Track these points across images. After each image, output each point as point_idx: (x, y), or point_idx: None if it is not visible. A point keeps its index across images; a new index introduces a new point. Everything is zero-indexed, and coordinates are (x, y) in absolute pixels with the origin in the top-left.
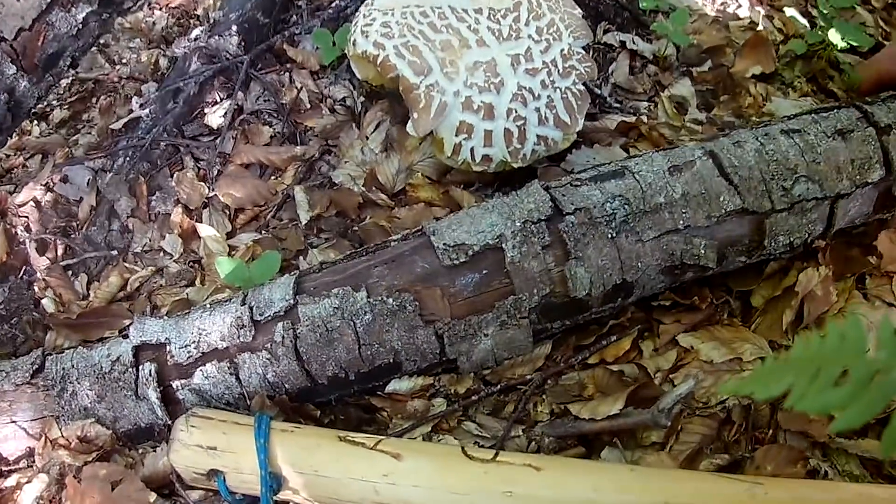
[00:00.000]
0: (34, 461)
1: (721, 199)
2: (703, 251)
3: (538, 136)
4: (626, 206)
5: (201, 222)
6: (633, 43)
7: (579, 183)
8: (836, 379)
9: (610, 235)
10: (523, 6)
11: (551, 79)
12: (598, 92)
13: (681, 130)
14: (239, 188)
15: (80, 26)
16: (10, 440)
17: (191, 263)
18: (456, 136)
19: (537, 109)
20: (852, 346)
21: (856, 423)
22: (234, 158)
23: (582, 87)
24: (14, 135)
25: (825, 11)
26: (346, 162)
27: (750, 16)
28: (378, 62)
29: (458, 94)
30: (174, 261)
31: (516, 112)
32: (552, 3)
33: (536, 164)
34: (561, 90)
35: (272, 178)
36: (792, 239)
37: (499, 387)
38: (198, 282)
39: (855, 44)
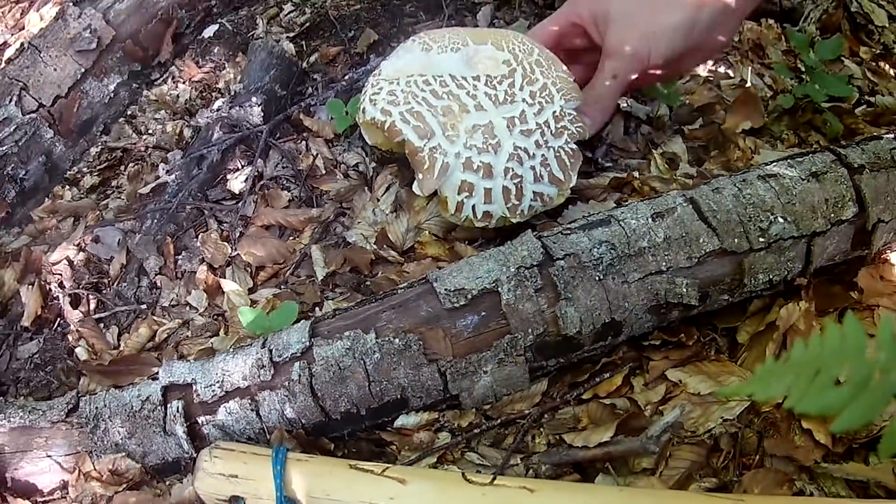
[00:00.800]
0: (67, 493)
1: (701, 240)
2: (685, 290)
3: (534, 192)
4: (612, 251)
5: (225, 279)
6: (628, 105)
7: (569, 231)
8: (835, 380)
9: (597, 278)
10: (518, 72)
11: (545, 139)
12: (590, 155)
13: (672, 184)
14: (259, 248)
15: (112, 95)
16: (45, 473)
17: (215, 316)
18: (458, 194)
19: (533, 168)
20: (851, 348)
21: (855, 423)
22: (255, 220)
23: (574, 146)
24: (48, 198)
25: (811, 65)
26: (358, 223)
27: (740, 74)
28: (385, 128)
29: (459, 156)
30: (200, 314)
31: (513, 171)
32: (544, 68)
33: (535, 219)
34: (554, 149)
35: (290, 238)
36: (772, 276)
37: (499, 421)
38: (222, 332)
39: (838, 95)
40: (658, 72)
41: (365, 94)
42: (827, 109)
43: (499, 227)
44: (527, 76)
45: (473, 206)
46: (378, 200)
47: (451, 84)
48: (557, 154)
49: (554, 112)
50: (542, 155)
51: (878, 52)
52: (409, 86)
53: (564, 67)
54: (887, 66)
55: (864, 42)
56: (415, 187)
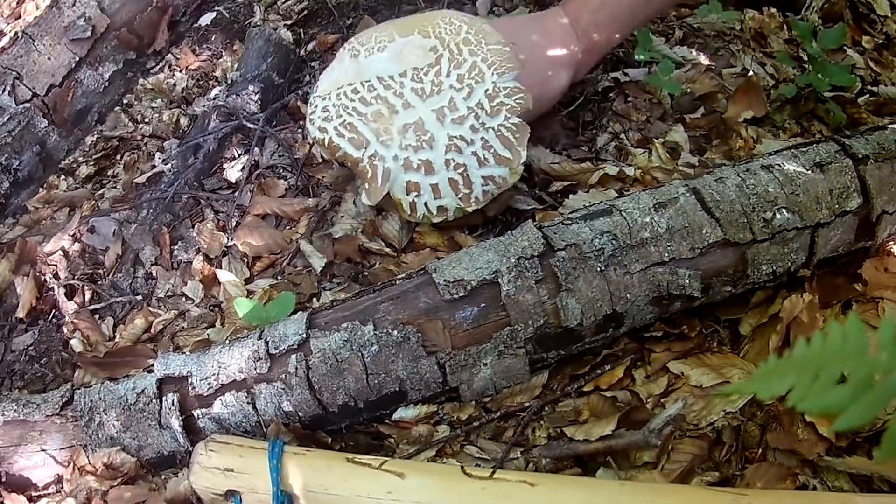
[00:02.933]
0: (62, 487)
1: (704, 231)
2: (688, 281)
3: (483, 177)
4: (613, 241)
5: (221, 269)
6: (625, 73)
7: (570, 222)
8: (837, 379)
9: (599, 269)
10: (444, 57)
11: (480, 121)
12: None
13: (673, 174)
14: (256, 237)
15: (107, 84)
16: (39, 468)
17: (211, 307)
18: (408, 195)
19: (475, 154)
20: (854, 347)
21: (856, 422)
22: (252, 210)
23: (517, 120)
24: (42, 188)
25: (814, 54)
26: (341, 216)
27: (742, 63)
28: (326, 144)
29: (398, 158)
30: (196, 305)
31: (454, 161)
32: (473, 45)
33: (491, 204)
34: (494, 129)
35: (287, 228)
36: (775, 268)
37: (498, 414)
38: (218, 324)
39: (841, 85)
40: None
41: (307, 115)
42: (830, 99)
43: (458, 218)
44: (454, 59)
45: (426, 204)
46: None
47: (378, 87)
48: (499, 133)
49: (486, 91)
50: (482, 138)
51: (881, 41)
52: (339, 98)
53: (499, 37)
54: (890, 56)
55: (867, 31)
56: (363, 198)
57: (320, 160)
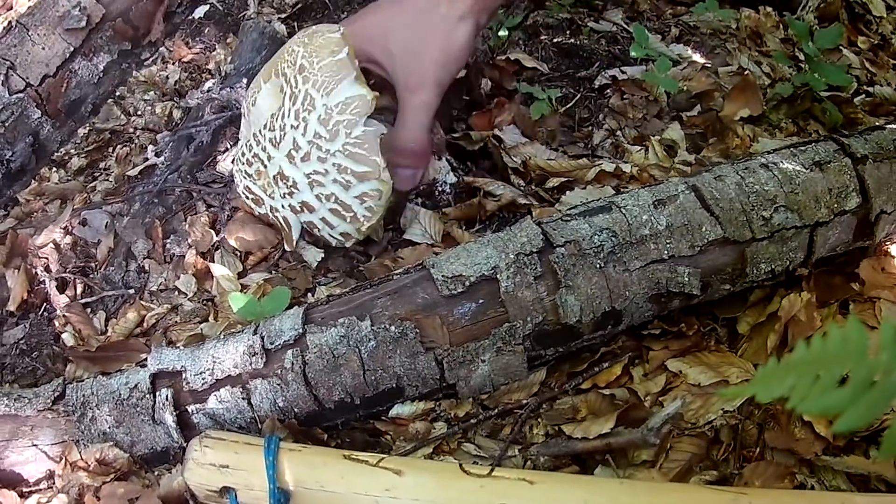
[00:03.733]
0: (54, 482)
1: (703, 229)
2: (687, 279)
3: (355, 196)
4: (613, 238)
5: (214, 263)
6: (622, 72)
7: (569, 218)
8: (837, 381)
9: (598, 265)
10: (286, 96)
11: (324, 150)
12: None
13: (670, 171)
14: (248, 232)
15: (101, 75)
16: (30, 463)
17: (204, 301)
18: (315, 232)
19: (335, 181)
20: (854, 349)
21: (857, 423)
22: (243, 205)
23: (361, 132)
24: (34, 180)
25: (810, 54)
26: None
27: (738, 61)
28: (246, 210)
29: (285, 207)
30: (189, 299)
31: (324, 195)
32: (306, 71)
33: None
34: (341, 150)
35: None
36: (774, 266)
37: (496, 411)
38: (211, 318)
39: (837, 85)
40: None
41: None
42: (826, 98)
43: (368, 238)
44: (293, 95)
45: (331, 234)
46: None
47: (254, 146)
48: (346, 153)
49: (319, 117)
50: (333, 164)
51: (877, 42)
52: (237, 164)
53: (333, 45)
54: (886, 57)
55: (863, 32)
56: (286, 247)
57: None
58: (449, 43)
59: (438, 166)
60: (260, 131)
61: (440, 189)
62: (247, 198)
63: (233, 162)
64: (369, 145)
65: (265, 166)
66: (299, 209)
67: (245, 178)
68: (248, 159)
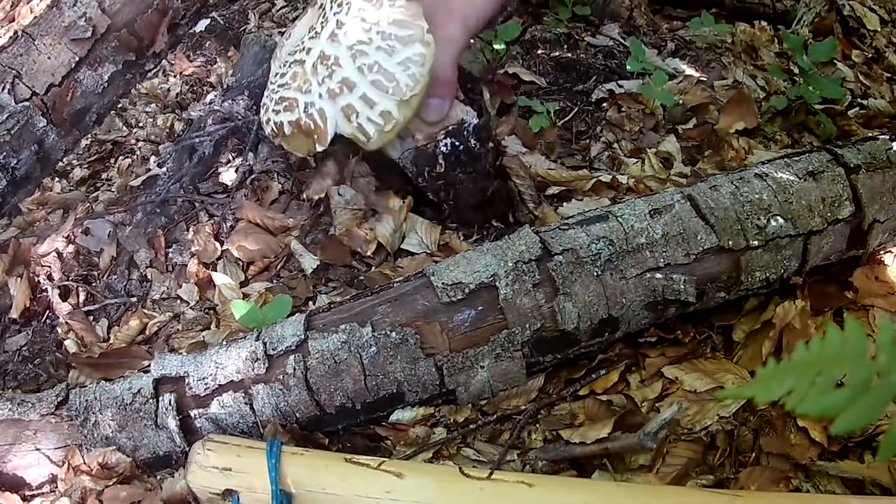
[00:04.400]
0: (57, 487)
1: (699, 237)
2: (683, 287)
3: (399, 63)
4: (610, 247)
5: (216, 272)
6: (619, 86)
7: (567, 227)
8: (835, 382)
9: (595, 273)
10: (326, 4)
11: (369, 20)
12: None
13: (666, 183)
14: (251, 242)
15: (106, 85)
16: (34, 467)
17: (206, 310)
18: (351, 122)
19: (379, 48)
20: (852, 350)
21: (855, 425)
22: (243, 216)
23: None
24: (37, 190)
25: (805, 67)
26: (335, 211)
27: (733, 75)
28: (277, 130)
29: (322, 95)
30: (191, 307)
31: (366, 64)
32: None
33: None
34: (385, 18)
35: (281, 232)
36: (768, 275)
37: (495, 416)
38: (213, 326)
39: (831, 97)
40: None
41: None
42: (820, 111)
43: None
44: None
45: (369, 119)
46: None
47: (289, 59)
48: (392, 20)
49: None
50: (378, 32)
51: (870, 55)
52: (268, 91)
53: None
54: (879, 70)
55: (857, 46)
56: (317, 147)
57: (314, 164)
58: None
59: (465, 109)
60: (297, 46)
61: (467, 130)
62: (276, 114)
63: (262, 107)
64: (413, 11)
65: (302, 64)
66: (338, 90)
67: (276, 90)
68: (280, 74)
